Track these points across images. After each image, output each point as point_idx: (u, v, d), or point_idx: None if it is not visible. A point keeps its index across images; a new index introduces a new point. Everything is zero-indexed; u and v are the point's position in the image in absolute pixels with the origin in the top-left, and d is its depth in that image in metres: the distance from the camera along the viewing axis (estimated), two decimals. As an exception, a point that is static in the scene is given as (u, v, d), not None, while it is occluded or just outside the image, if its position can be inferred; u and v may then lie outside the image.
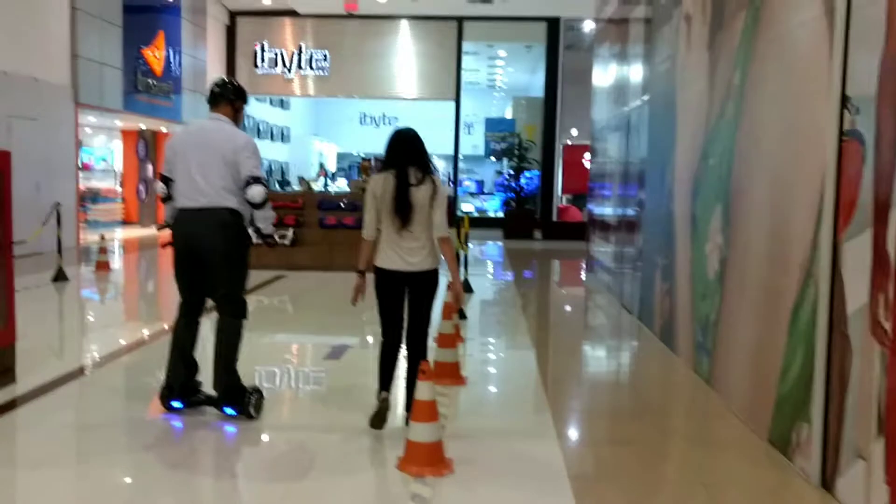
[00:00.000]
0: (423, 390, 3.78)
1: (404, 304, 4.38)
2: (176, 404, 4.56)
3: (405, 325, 4.42)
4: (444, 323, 5.44)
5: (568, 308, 10.33)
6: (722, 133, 5.34)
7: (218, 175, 4.36)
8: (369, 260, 4.36)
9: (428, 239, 4.30)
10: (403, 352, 4.46)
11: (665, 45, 7.28)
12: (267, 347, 6.77)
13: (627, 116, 9.36)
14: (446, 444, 3.87)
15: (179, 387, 4.55)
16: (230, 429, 4.42)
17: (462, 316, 7.58)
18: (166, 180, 4.49)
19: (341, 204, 12.19)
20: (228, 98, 4.60)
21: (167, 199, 4.53)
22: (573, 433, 4.80)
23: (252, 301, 9.43)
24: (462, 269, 9.33)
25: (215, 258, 4.40)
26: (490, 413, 5.15)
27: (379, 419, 4.29)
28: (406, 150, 4.32)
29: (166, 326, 7.45)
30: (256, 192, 4.42)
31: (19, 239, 10.52)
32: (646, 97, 8.25)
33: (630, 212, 8.91)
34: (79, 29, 13.96)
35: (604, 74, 11.83)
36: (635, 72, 9.08)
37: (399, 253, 4.27)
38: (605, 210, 10.94)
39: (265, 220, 4.64)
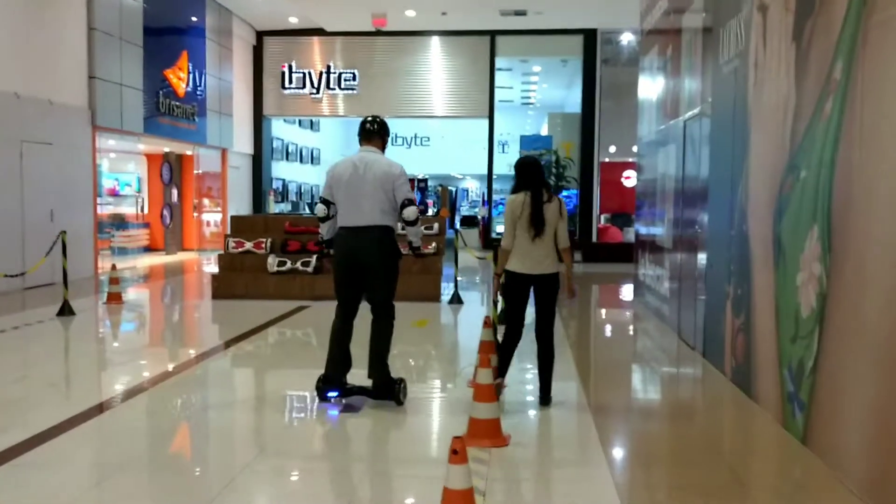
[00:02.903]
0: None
1: (528, 302, 5.37)
2: (332, 394, 5.35)
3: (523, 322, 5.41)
4: (481, 371, 4.55)
5: (620, 342, 9.33)
6: (817, 138, 4.40)
7: (377, 199, 5.20)
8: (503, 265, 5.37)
9: (552, 248, 5.33)
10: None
11: (731, 42, 6.37)
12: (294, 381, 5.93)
13: (682, 128, 8.43)
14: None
15: (337, 378, 5.32)
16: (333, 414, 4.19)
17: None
18: (327, 203, 5.34)
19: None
20: (380, 133, 5.48)
21: (326, 218, 5.38)
22: (645, 513, 3.87)
23: (273, 334, 8.80)
24: (500, 299, 8.44)
25: (375, 268, 5.28)
26: (538, 481, 4.24)
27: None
28: (535, 174, 5.36)
29: (171, 368, 6.66)
30: (411, 211, 5.33)
31: (18, 271, 9.96)
32: (705, 105, 7.33)
33: (688, 233, 7.96)
34: (96, 49, 13.40)
35: (650, 86, 10.94)
36: (690, 78, 8.17)
37: (530, 259, 5.27)
38: (656, 231, 9.98)
39: (416, 234, 5.55)
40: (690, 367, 7.10)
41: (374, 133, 5.45)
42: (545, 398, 5.42)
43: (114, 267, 10.71)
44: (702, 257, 7.30)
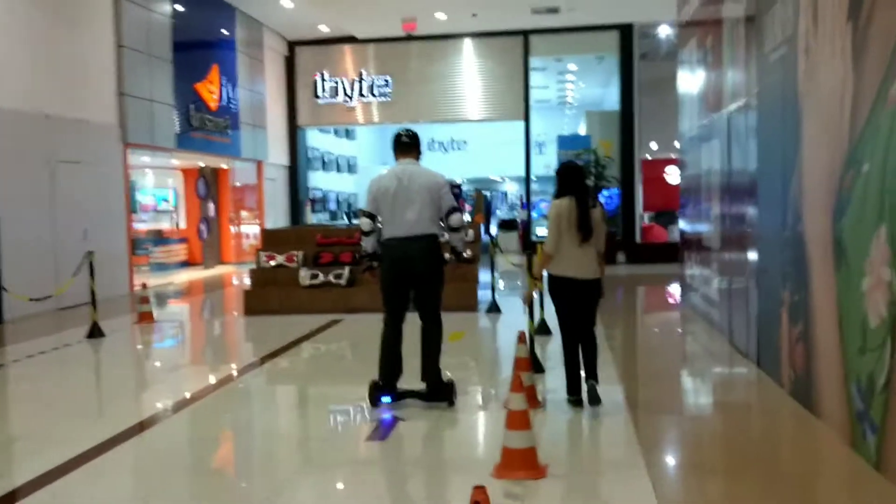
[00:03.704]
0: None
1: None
2: (385, 399, 5.51)
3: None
4: (513, 396, 4.15)
5: (667, 349, 8.83)
6: (882, 127, 3.93)
7: (425, 208, 5.39)
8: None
9: (595, 253, 5.37)
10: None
11: (777, 27, 5.89)
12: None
13: (726, 122, 7.94)
14: None
15: (391, 384, 5.50)
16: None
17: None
18: (371, 216, 5.46)
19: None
20: (416, 145, 5.66)
21: (371, 232, 5.47)
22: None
23: (307, 349, 8.54)
24: (538, 307, 8.05)
25: (425, 276, 5.46)
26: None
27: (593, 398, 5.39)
28: (579, 178, 5.49)
29: (188, 395, 6.40)
30: (456, 218, 5.55)
31: (52, 292, 9.85)
32: (750, 97, 6.84)
33: (737, 233, 7.46)
34: (125, 66, 13.32)
35: (691, 79, 10.44)
36: (733, 69, 7.68)
37: (577, 263, 5.32)
38: (703, 230, 9.47)
39: (461, 240, 5.66)
40: (744, 378, 6.62)
41: (411, 146, 5.64)
42: (593, 375, 5.46)
43: (144, 286, 10.56)
44: (753, 258, 6.80)
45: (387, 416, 5.39)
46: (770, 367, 6.18)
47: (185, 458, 4.92)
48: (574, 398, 5.44)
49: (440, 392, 5.53)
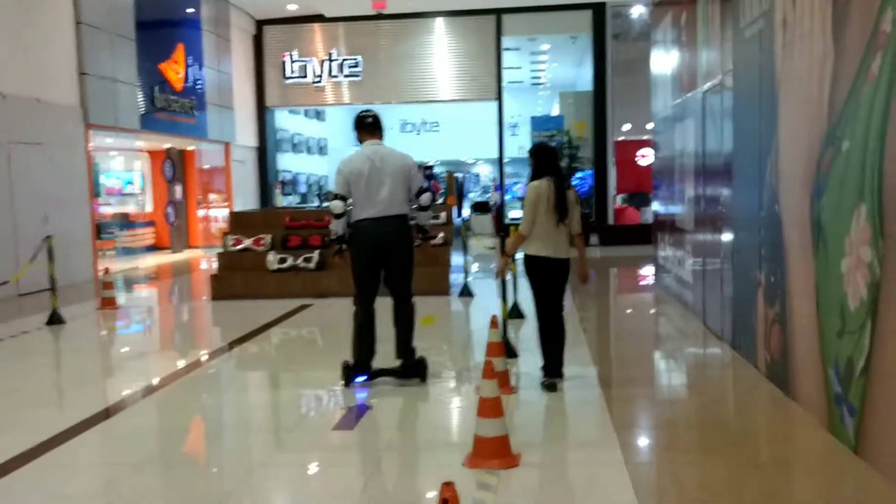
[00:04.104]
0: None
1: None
2: (360, 378, 5.62)
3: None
4: (485, 383, 4.01)
5: (641, 331, 8.75)
6: (862, 104, 3.82)
7: (397, 189, 5.48)
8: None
9: (574, 235, 5.50)
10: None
11: (752, 3, 5.76)
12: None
13: (700, 101, 7.83)
14: None
15: (366, 364, 5.61)
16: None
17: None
18: (343, 198, 5.48)
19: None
20: (380, 127, 5.70)
21: (342, 214, 5.50)
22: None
23: (276, 334, 8.34)
24: (511, 290, 7.91)
25: (399, 255, 5.56)
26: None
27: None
28: (555, 160, 5.58)
29: (150, 384, 6.18)
30: (427, 198, 5.65)
31: (12, 278, 9.52)
32: (725, 75, 6.73)
33: (711, 214, 7.37)
34: (86, 45, 12.91)
35: (664, 59, 10.32)
36: (708, 47, 7.56)
37: (554, 244, 5.37)
38: (676, 211, 9.39)
39: (427, 218, 5.81)
40: (720, 360, 6.55)
41: (376, 127, 5.69)
42: (559, 373, 5.52)
43: (107, 270, 10.27)
44: (727, 240, 6.72)
45: (357, 403, 5.28)
46: (745, 350, 6.11)
47: (146, 448, 4.72)
48: (549, 381, 5.46)
49: (414, 368, 5.66)
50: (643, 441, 4.69)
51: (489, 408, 3.94)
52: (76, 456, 4.53)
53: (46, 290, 9.65)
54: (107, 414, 5.33)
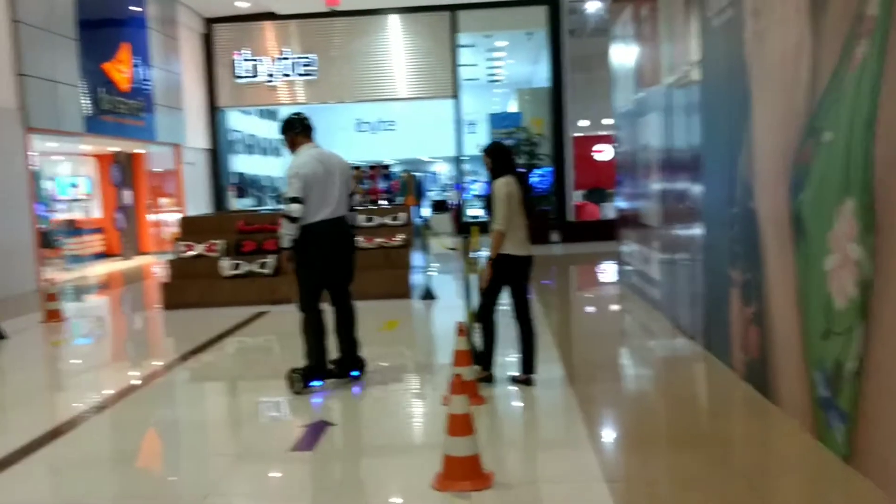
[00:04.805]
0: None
1: None
2: (316, 383, 5.58)
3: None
4: (454, 399, 3.71)
5: (608, 332, 8.53)
6: (846, 93, 3.62)
7: (344, 190, 5.60)
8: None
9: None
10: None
11: (721, -9, 5.56)
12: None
13: (664, 95, 7.65)
14: None
15: (324, 367, 5.62)
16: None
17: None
18: (302, 201, 5.38)
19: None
20: (313, 129, 5.72)
21: (298, 218, 5.39)
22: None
23: (233, 343, 7.96)
24: (473, 293, 7.64)
25: (351, 254, 5.73)
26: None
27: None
28: (511, 158, 5.67)
29: (95, 401, 5.75)
30: (357, 198, 6.15)
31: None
32: (691, 67, 6.54)
33: (680, 209, 7.19)
34: (24, 44, 12.30)
35: (625, 53, 10.14)
36: (671, 39, 7.37)
37: (525, 242, 5.44)
38: (641, 207, 9.21)
39: (356, 218, 6.20)
40: (693, 362, 6.34)
41: (311, 129, 5.71)
42: (532, 370, 5.52)
43: (51, 281, 9.74)
44: (697, 236, 6.53)
45: (316, 420, 4.97)
46: (719, 350, 5.92)
47: (82, 481, 4.33)
48: (525, 376, 5.51)
49: (359, 364, 5.82)
50: (619, 453, 4.46)
51: (459, 425, 3.66)
52: (14, 484, 4.13)
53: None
54: (43, 441, 4.91)
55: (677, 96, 7.12)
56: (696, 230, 6.53)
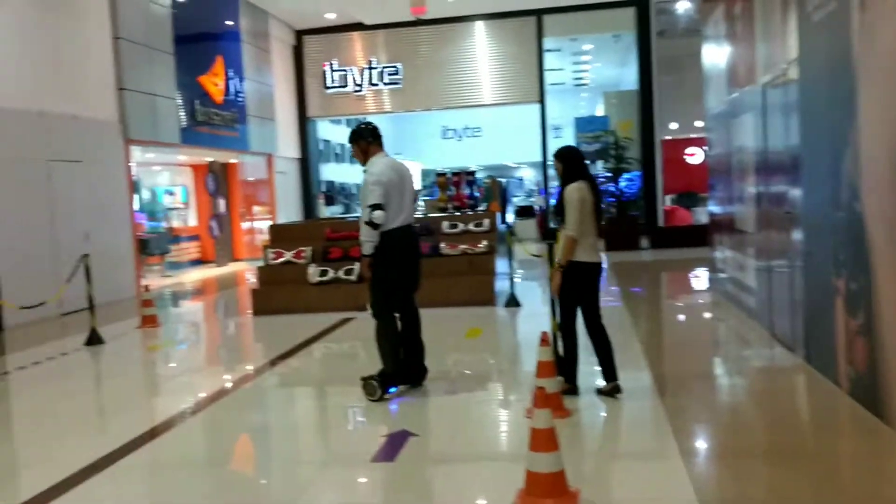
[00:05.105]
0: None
1: None
2: (393, 389, 5.64)
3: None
4: (538, 413, 3.59)
5: (702, 342, 8.21)
6: (966, 88, 3.33)
7: (411, 199, 5.72)
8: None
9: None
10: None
11: (822, -17, 5.26)
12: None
13: (760, 94, 7.32)
14: None
15: (402, 373, 5.69)
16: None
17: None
18: (384, 208, 5.43)
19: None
20: (382, 137, 5.82)
21: (380, 225, 5.44)
22: None
23: (320, 349, 8.04)
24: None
25: (419, 260, 5.83)
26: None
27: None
28: (584, 163, 5.47)
29: (184, 407, 5.88)
30: (417, 205, 6.53)
31: (53, 297, 9.37)
32: (790, 64, 6.21)
33: (777, 214, 6.85)
34: (124, 60, 12.83)
35: (717, 52, 9.79)
36: (768, 37, 7.05)
37: (596, 248, 5.32)
38: (735, 211, 8.85)
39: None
40: (792, 374, 6.01)
41: (382, 138, 5.79)
42: (614, 380, 5.36)
43: (146, 288, 10.10)
44: (797, 242, 6.19)
45: (398, 429, 4.93)
46: (821, 362, 5.59)
47: (175, 483, 4.41)
48: (612, 385, 5.36)
49: (424, 371, 5.86)
50: (713, 470, 4.23)
51: (542, 440, 3.53)
52: (110, 485, 4.24)
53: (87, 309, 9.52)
54: (137, 443, 5.03)
55: (773, 95, 6.80)
56: (795, 235, 6.20)
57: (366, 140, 5.67)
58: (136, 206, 14.21)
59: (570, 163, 5.39)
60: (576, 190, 5.23)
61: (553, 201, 21.70)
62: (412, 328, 5.78)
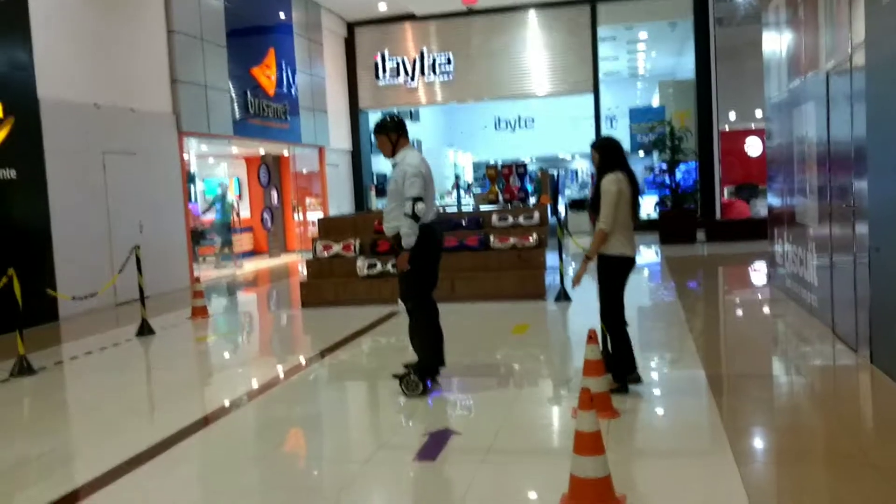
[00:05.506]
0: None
1: None
2: (430, 384, 5.61)
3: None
4: (582, 415, 3.45)
5: (759, 339, 7.91)
6: None
7: (434, 190, 5.69)
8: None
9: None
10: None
11: (892, -37, 4.96)
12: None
13: (824, 82, 6.99)
14: None
15: (437, 366, 5.66)
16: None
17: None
18: (423, 200, 5.39)
19: (462, 222, 10.42)
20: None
21: (420, 218, 5.39)
22: None
23: (367, 341, 8.01)
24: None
25: (441, 254, 5.76)
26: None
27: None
28: (623, 153, 5.31)
29: (231, 399, 5.88)
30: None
31: (90, 291, 9.49)
32: (855, 52, 5.90)
33: (841, 207, 6.53)
34: (177, 52, 13.00)
35: (779, 40, 9.42)
36: (832, 23, 6.72)
37: (632, 241, 5.22)
38: (796, 204, 8.51)
39: None
40: (855, 375, 5.73)
41: (407, 130, 5.71)
42: (620, 380, 5.29)
43: (197, 279, 10.20)
44: (861, 236, 5.89)
45: (439, 428, 4.86)
46: (888, 363, 5.30)
47: (222, 473, 4.39)
48: (635, 375, 5.32)
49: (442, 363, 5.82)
50: (769, 475, 4.03)
51: (587, 444, 3.39)
52: (159, 473, 4.24)
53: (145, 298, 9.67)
54: (186, 433, 5.04)
55: (838, 83, 6.48)
56: (860, 229, 5.89)
57: (397, 132, 5.61)
58: (190, 197, 14.41)
59: (607, 153, 5.29)
60: (613, 181, 5.14)
61: (587, 193, 21.41)
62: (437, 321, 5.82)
